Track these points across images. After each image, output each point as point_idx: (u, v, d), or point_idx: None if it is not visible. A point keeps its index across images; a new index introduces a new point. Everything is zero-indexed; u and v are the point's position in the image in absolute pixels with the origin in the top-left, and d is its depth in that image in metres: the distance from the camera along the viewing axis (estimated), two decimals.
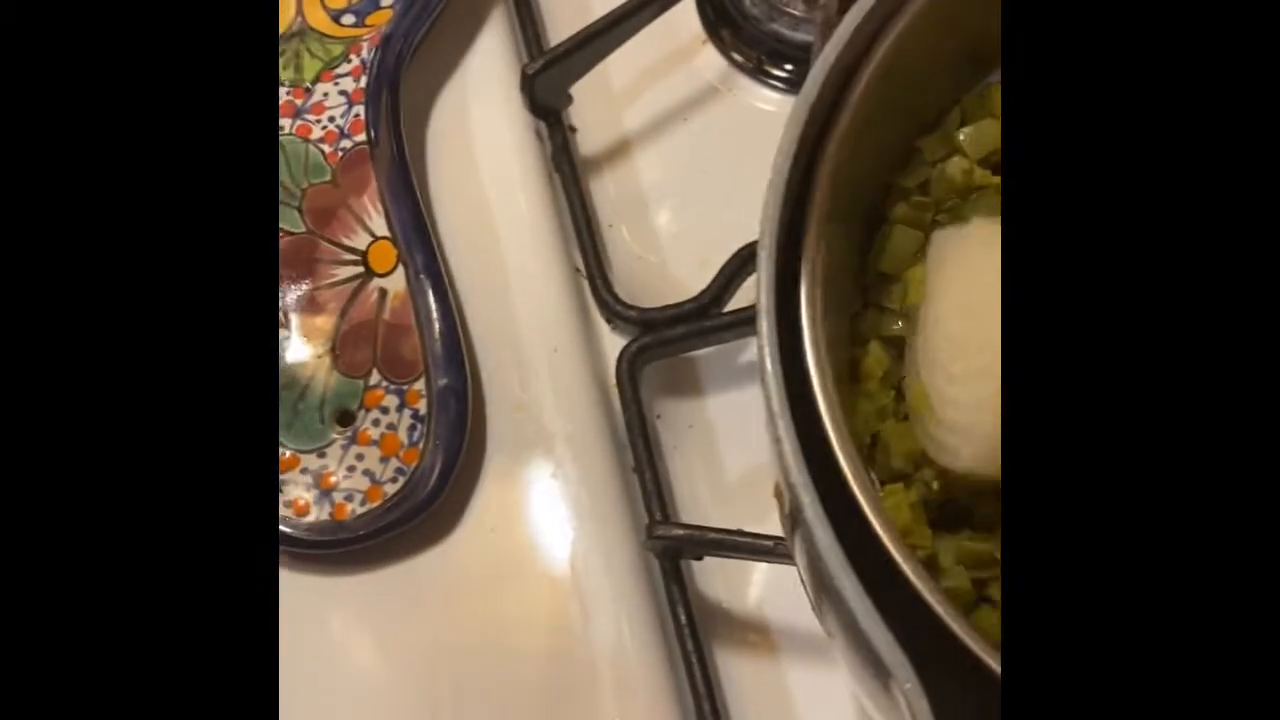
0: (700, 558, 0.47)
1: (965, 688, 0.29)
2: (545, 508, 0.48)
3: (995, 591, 0.34)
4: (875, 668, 0.30)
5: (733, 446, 0.51)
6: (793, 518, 0.33)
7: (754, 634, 0.48)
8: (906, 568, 0.30)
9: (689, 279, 0.51)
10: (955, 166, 0.38)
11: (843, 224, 0.36)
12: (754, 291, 0.34)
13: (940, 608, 0.29)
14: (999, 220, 0.36)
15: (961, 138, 0.38)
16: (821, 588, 0.32)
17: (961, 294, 0.35)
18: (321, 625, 0.47)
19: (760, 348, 0.32)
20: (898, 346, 0.37)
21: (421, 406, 0.46)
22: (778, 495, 0.34)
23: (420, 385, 0.47)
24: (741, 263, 0.49)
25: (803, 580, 0.36)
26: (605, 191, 0.54)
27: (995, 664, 0.29)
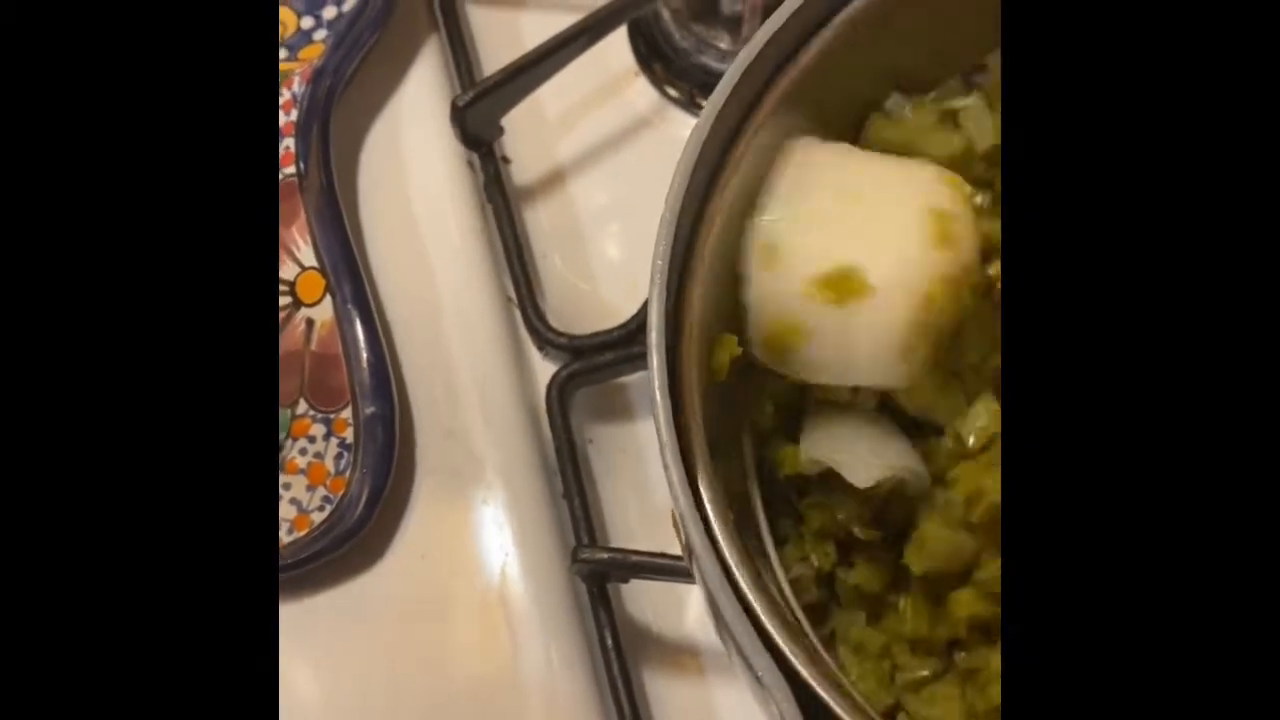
0: (626, 581, 0.48)
1: None
2: (475, 534, 0.48)
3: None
4: (764, 695, 0.31)
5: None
6: (687, 547, 0.33)
7: (683, 656, 0.48)
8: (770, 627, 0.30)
9: (623, 306, 0.52)
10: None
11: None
12: None
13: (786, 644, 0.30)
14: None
15: None
16: (715, 614, 0.33)
17: None
18: None
19: (650, 380, 0.33)
20: None
21: (348, 435, 0.47)
22: (675, 523, 0.35)
23: (347, 414, 0.47)
24: None
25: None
26: (539, 221, 0.55)
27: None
